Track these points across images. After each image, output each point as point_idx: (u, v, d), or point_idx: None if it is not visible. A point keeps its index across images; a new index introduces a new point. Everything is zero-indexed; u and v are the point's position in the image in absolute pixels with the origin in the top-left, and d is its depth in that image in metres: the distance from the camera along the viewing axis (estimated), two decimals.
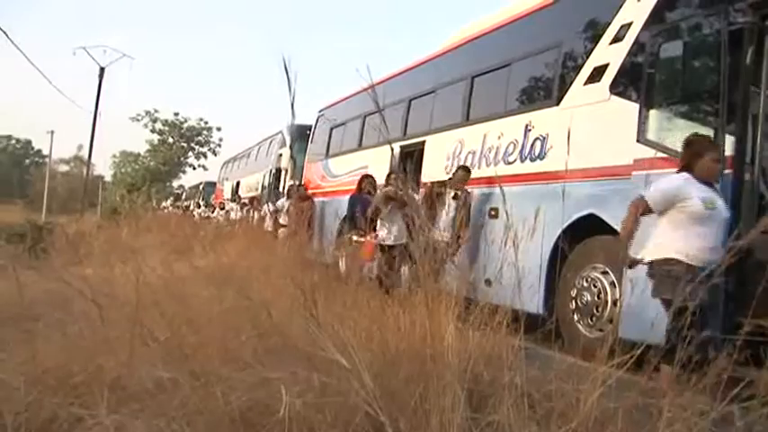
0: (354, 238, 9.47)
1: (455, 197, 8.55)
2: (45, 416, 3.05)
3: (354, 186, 10.93)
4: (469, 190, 8.67)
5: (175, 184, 61.87)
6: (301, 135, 17.92)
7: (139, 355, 3.46)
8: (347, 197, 11.14)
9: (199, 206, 30.90)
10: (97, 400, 2.91)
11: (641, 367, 3.37)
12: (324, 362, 2.85)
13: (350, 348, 2.77)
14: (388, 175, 9.81)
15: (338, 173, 13.64)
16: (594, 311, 6.49)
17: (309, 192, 14.51)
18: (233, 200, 23.98)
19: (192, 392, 2.97)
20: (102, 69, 33.47)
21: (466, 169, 8.77)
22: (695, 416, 2.79)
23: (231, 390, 2.94)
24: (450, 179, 8.88)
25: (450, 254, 6.85)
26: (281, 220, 13.92)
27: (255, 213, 17.22)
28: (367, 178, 10.48)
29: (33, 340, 3.70)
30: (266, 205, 16.94)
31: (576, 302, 6.71)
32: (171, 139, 53.94)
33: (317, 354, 2.87)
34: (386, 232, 9.11)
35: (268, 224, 14.64)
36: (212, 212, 24.68)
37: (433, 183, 9.11)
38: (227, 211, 21.36)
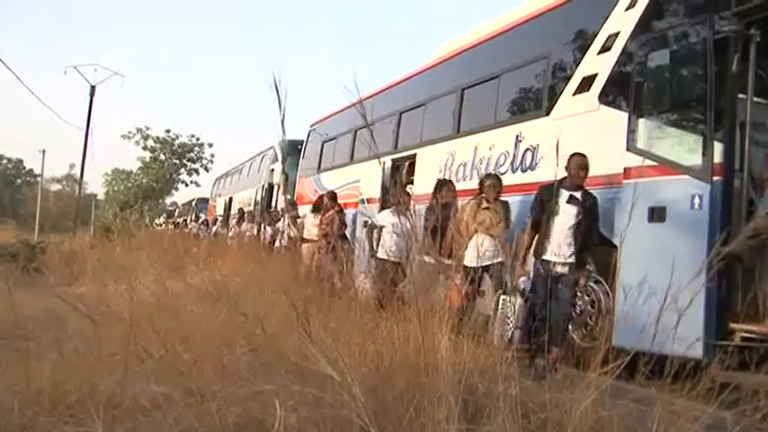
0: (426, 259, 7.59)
1: (571, 200, 6.33)
2: None
3: (347, 201, 10.93)
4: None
5: (168, 201, 61.73)
6: (293, 150, 17.93)
7: (134, 372, 3.45)
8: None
9: (197, 220, 30.65)
10: (92, 418, 2.91)
11: (634, 375, 3.38)
12: (317, 376, 2.85)
13: (341, 362, 2.78)
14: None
15: (330, 187, 13.65)
16: (588, 321, 6.50)
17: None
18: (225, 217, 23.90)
19: (186, 409, 2.97)
20: (92, 88, 33.41)
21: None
22: (689, 422, 2.80)
23: (226, 405, 2.94)
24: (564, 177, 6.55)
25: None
26: (306, 234, 11.80)
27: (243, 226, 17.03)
28: (445, 184, 8.16)
29: (27, 359, 3.69)
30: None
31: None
32: (163, 156, 53.71)
33: (310, 368, 2.87)
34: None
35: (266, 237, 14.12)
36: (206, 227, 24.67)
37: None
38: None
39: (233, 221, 20.41)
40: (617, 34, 6.66)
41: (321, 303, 4.69)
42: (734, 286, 5.19)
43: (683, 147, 5.82)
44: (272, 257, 9.87)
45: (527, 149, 7.79)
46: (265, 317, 4.05)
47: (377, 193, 11.22)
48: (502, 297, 6.48)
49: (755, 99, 5.61)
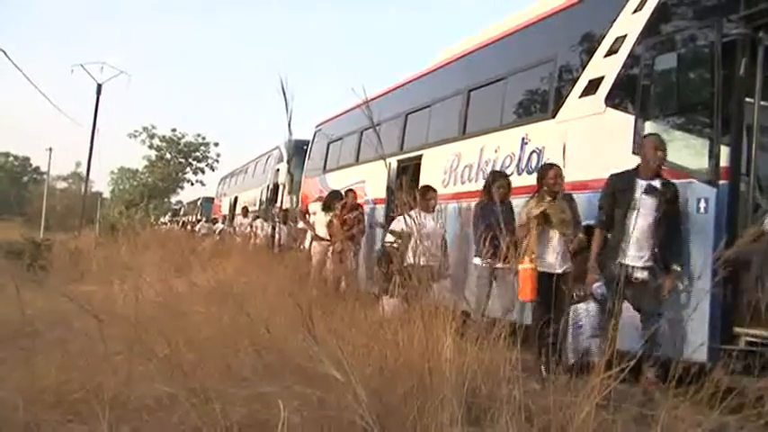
0: (479, 262, 6.87)
1: (650, 191, 5.55)
2: None
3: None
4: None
5: (173, 199, 61.91)
6: (298, 150, 17.94)
7: (139, 371, 3.47)
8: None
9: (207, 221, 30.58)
10: (97, 416, 2.92)
11: (638, 379, 3.38)
12: (321, 377, 2.85)
13: (345, 363, 2.78)
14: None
15: (336, 188, 13.67)
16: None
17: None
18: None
19: (190, 409, 2.97)
20: (99, 86, 33.43)
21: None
22: (692, 427, 2.80)
23: (230, 405, 2.95)
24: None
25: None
26: (320, 232, 10.91)
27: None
28: (499, 179, 7.21)
29: (32, 358, 3.70)
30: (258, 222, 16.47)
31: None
32: (168, 155, 53.90)
33: (314, 369, 2.87)
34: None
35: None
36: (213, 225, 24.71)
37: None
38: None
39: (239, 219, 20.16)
40: (624, 37, 6.65)
41: (326, 305, 4.69)
42: (739, 290, 5.18)
43: (690, 150, 5.80)
44: (278, 258, 9.72)
45: (533, 151, 7.78)
46: (270, 318, 4.06)
47: (382, 194, 11.23)
48: (573, 306, 5.79)
49: (762, 103, 5.60)
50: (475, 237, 7.09)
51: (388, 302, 9.70)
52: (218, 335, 4.17)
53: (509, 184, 7.17)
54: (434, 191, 7.89)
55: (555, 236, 6.35)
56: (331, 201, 11.06)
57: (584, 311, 5.74)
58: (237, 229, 16.81)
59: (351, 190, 11.05)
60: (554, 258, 6.32)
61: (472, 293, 6.57)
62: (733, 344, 5.15)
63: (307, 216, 11.12)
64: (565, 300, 5.86)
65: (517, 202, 7.30)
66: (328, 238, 10.38)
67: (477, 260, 6.97)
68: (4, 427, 3.02)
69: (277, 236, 13.91)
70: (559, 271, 6.25)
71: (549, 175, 6.35)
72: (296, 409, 2.70)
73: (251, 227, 16.78)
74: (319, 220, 11.19)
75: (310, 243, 11.12)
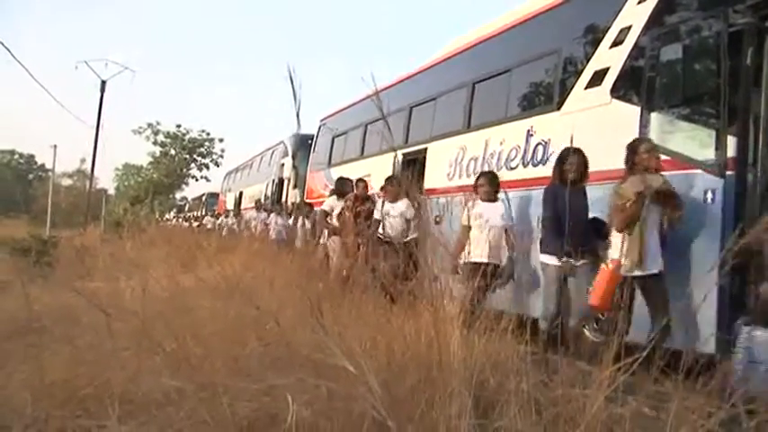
0: (554, 262, 6.00)
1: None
2: (53, 429, 3.05)
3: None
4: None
5: (178, 195, 61.96)
6: (303, 145, 17.97)
7: (146, 366, 3.47)
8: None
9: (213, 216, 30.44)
10: (105, 412, 2.92)
11: (648, 370, 3.36)
12: (330, 369, 2.85)
13: (356, 354, 2.77)
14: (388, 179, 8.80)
15: None
16: (600, 316, 6.48)
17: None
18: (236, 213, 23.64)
19: (199, 403, 2.97)
20: (103, 83, 33.48)
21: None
22: (702, 418, 2.78)
23: (238, 400, 2.95)
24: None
25: None
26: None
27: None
28: (571, 155, 6.17)
29: (40, 354, 3.70)
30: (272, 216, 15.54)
31: None
32: (173, 151, 53.80)
33: (324, 361, 2.87)
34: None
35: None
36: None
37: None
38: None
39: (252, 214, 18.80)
40: (629, 28, 6.63)
41: (332, 298, 4.68)
42: (747, 282, 5.16)
43: (696, 141, 5.78)
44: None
45: (538, 144, 7.77)
46: (278, 311, 4.05)
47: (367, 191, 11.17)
48: (744, 328, 4.78)
49: None
50: (542, 229, 6.43)
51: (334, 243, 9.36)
52: (225, 329, 4.17)
53: (585, 162, 6.19)
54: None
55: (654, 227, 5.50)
56: (343, 189, 10.42)
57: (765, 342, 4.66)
58: (253, 225, 15.31)
59: (362, 179, 10.46)
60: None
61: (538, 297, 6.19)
62: None
63: (329, 218, 10.31)
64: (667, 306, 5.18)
65: (524, 195, 7.30)
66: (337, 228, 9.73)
67: (544, 257, 6.18)
68: (13, 423, 3.02)
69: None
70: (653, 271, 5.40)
71: (640, 149, 5.63)
72: (305, 402, 2.69)
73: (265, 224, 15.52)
74: (331, 206, 10.42)
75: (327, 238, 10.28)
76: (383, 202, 8.57)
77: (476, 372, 3.13)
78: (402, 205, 8.45)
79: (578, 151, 6.11)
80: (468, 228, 6.87)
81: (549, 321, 5.69)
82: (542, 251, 6.19)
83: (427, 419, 2.83)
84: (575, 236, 5.77)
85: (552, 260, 6.01)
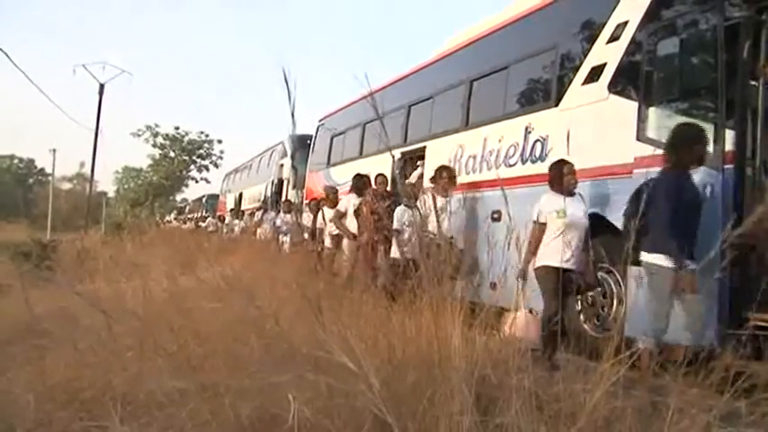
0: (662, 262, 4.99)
1: None
2: (56, 430, 3.06)
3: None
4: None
5: (178, 197, 62.06)
6: (302, 145, 17.95)
7: (148, 367, 3.47)
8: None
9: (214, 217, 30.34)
10: (108, 413, 2.93)
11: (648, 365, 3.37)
12: (330, 366, 2.85)
13: (356, 351, 2.78)
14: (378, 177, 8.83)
15: (341, 182, 13.65)
16: (600, 311, 6.49)
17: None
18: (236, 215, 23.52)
19: (201, 403, 2.98)
20: (101, 86, 33.54)
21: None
22: (703, 412, 2.79)
23: (240, 399, 2.95)
24: None
25: None
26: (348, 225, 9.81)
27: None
28: (699, 132, 5.35)
29: (43, 356, 3.72)
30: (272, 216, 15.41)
31: (582, 302, 6.70)
32: (172, 153, 53.91)
33: (324, 358, 2.87)
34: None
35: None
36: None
37: None
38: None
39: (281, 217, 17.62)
40: (626, 23, 6.62)
41: (332, 297, 4.69)
42: (748, 275, 5.16)
43: None
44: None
45: (536, 140, 7.76)
46: (278, 311, 4.06)
47: (388, 187, 11.19)
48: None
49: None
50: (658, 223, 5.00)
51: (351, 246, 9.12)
52: (226, 328, 4.17)
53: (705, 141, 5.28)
54: None
55: None
56: (362, 186, 9.88)
57: None
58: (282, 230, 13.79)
59: (381, 174, 9.74)
60: None
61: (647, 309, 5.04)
62: (742, 328, 5.14)
63: (343, 219, 9.82)
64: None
65: (523, 192, 7.28)
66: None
67: (658, 258, 5.02)
68: (16, 425, 3.03)
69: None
70: None
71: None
72: (306, 399, 2.70)
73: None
74: (349, 205, 9.91)
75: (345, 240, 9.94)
76: (433, 198, 7.19)
77: (477, 368, 3.14)
78: (453, 200, 7.84)
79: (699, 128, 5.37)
80: (544, 225, 6.05)
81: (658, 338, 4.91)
82: (651, 250, 5.05)
83: (428, 416, 2.83)
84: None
85: (668, 262, 4.95)
